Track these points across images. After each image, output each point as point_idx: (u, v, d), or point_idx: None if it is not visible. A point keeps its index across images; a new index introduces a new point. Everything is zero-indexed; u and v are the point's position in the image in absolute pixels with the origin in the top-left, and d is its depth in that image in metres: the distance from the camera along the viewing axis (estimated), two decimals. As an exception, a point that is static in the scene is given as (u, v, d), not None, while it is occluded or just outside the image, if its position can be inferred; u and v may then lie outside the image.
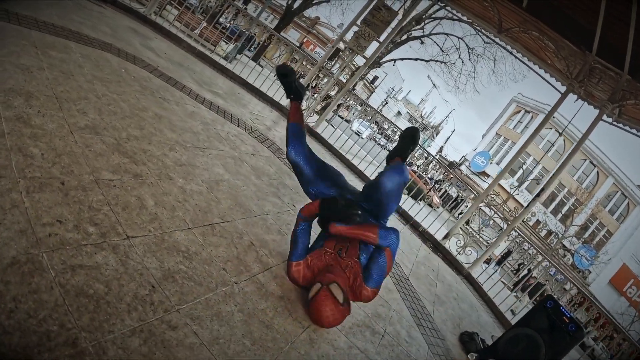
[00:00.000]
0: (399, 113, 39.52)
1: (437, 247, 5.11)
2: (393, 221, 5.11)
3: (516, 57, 5.19)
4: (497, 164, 26.67)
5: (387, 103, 33.24)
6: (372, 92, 31.82)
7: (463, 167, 28.26)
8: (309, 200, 2.19)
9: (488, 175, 25.75)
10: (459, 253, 4.79)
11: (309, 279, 1.92)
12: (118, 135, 1.99)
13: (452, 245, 4.98)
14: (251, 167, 3.11)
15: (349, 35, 6.33)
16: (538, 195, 4.45)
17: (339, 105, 8.18)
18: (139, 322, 1.17)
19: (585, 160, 26.33)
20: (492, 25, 4.83)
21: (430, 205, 11.13)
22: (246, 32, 12.02)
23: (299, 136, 2.13)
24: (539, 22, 4.07)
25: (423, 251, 4.70)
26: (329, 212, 1.91)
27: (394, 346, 2.24)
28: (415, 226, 5.45)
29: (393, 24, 5.48)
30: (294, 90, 2.23)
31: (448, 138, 34.05)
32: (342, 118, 21.84)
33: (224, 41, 10.50)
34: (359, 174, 6.15)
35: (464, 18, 5.66)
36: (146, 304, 1.26)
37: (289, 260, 1.95)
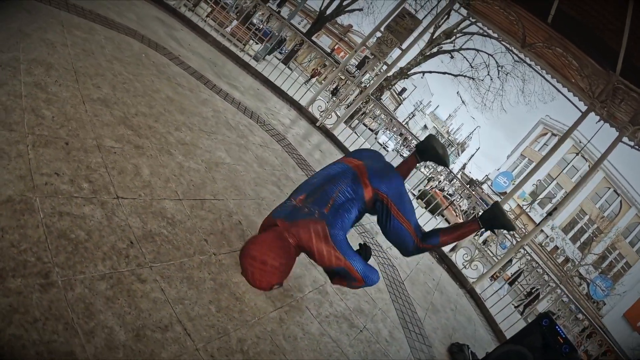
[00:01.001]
0: (425, 127, 39.41)
1: (443, 259, 5.01)
2: None
3: (539, 74, 5.06)
4: (520, 185, 26.06)
5: (414, 116, 33.12)
6: (400, 104, 31.72)
7: (485, 187, 27.68)
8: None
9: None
10: (465, 267, 4.68)
11: None
12: (127, 110, 2.15)
13: (458, 258, 4.87)
14: (255, 156, 3.21)
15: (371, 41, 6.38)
16: (550, 214, 4.29)
17: (364, 114, 8.22)
18: (110, 270, 1.28)
19: (610, 188, 25.24)
20: (516, 39, 4.77)
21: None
22: (277, 35, 12.39)
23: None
24: (563, 39, 3.98)
25: (427, 260, 4.63)
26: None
27: (372, 343, 2.23)
28: (422, 235, 5.37)
29: (416, 33, 5.50)
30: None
31: (472, 155, 33.46)
32: (367, 127, 21.95)
33: (253, 40, 10.86)
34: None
35: (491, 32, 5.61)
36: (121, 256, 1.36)
37: None
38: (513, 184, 25.29)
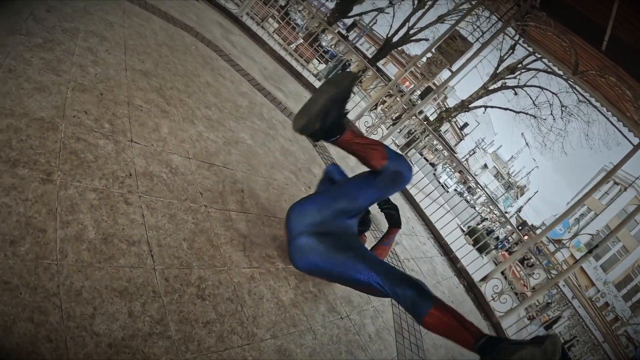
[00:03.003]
0: (485, 166, 37.91)
1: (472, 288, 4.62)
2: (431, 249, 4.83)
3: (602, 113, 4.62)
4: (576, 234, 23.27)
5: (474, 153, 31.90)
6: (462, 140, 30.68)
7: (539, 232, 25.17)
8: None
9: (564, 245, 22.72)
10: (494, 299, 4.26)
11: None
12: (163, 84, 2.50)
13: (488, 290, 4.45)
14: (281, 146, 3.38)
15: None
16: (590, 252, 3.77)
17: (424, 146, 8.07)
18: (103, 187, 1.51)
19: (670, 245, 21.46)
20: (568, 66, 4.50)
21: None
22: (343, 58, 12.95)
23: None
24: (617, 67, 3.64)
25: (451, 283, 4.31)
26: None
27: (350, 333, 2.12)
28: (454, 261, 5.04)
29: (467, 55, 5.43)
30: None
31: (529, 199, 30.94)
32: (427, 160, 21.24)
33: (317, 60, 11.50)
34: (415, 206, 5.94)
35: (557, 69, 5.32)
36: (117, 181, 1.60)
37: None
38: (569, 232, 22.70)
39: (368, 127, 6.91)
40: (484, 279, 4.55)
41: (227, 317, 1.51)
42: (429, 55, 5.85)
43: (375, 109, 7.65)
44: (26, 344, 0.94)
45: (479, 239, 7.50)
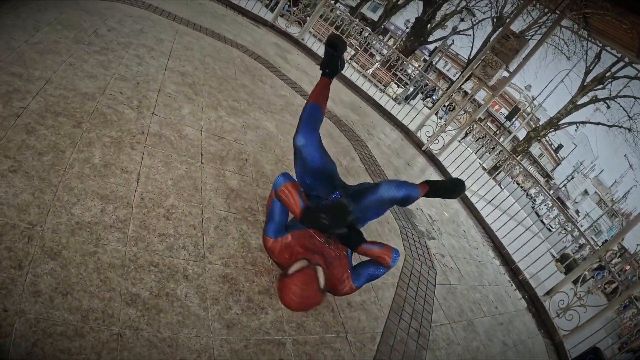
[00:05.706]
0: (585, 192, 32.23)
1: (534, 302, 3.93)
2: (485, 256, 4.33)
3: None
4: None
5: (572, 178, 27.35)
6: (558, 164, 26.60)
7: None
8: None
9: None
10: (558, 315, 3.52)
11: (285, 259, 1.77)
12: (197, 81, 3.13)
13: (553, 305, 3.72)
14: (306, 138, 3.69)
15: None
16: None
17: (517, 172, 7.38)
18: (117, 136, 2.06)
19: None
20: (631, 49, 3.83)
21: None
22: (419, 81, 12.87)
23: (315, 121, 1.94)
24: None
25: (502, 291, 3.76)
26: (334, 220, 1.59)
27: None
28: (515, 272, 4.38)
29: (523, 54, 4.98)
30: (333, 65, 2.04)
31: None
32: (520, 186, 18.34)
33: (395, 83, 11.70)
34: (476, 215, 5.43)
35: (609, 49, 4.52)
36: (130, 134, 2.14)
37: (265, 232, 1.83)
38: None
39: (429, 137, 6.72)
40: (548, 292, 3.84)
41: (184, 237, 1.79)
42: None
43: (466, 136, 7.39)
44: (22, 206, 1.44)
45: (571, 265, 6.30)
